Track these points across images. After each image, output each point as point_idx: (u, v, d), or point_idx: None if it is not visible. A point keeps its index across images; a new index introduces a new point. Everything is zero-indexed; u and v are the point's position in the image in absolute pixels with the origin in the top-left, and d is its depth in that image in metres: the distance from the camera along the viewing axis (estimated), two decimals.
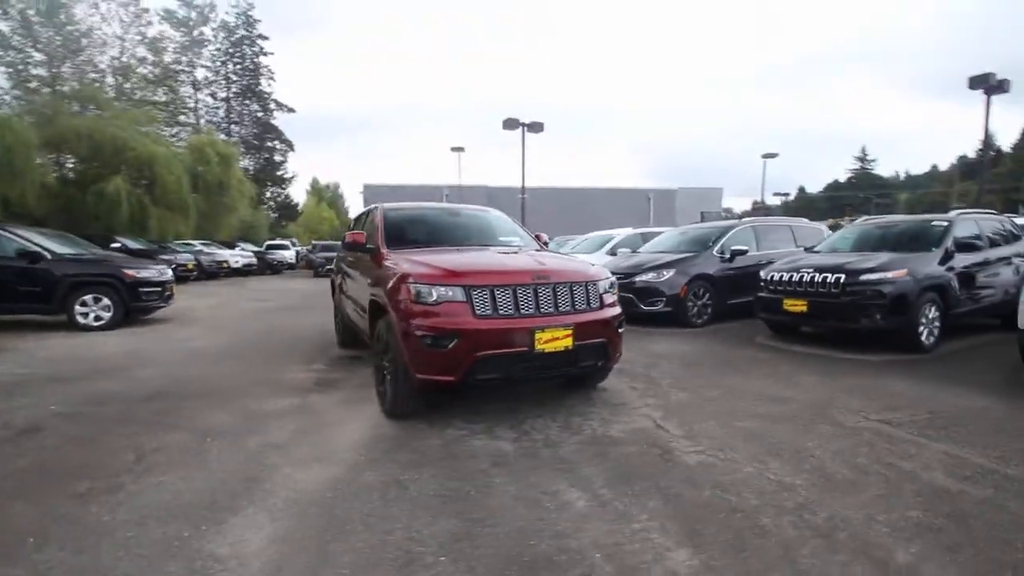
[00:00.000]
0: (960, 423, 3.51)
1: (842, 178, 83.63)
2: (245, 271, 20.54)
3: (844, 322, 5.78)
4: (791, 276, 6.23)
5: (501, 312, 3.42)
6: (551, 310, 3.54)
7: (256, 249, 23.90)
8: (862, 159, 78.62)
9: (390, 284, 3.64)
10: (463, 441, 3.33)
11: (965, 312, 6.13)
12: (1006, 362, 5.24)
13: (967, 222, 6.49)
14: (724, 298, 7.95)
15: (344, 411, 3.98)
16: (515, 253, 4.30)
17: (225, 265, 19.17)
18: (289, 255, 24.72)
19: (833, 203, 74.94)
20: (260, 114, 34.70)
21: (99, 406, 4.09)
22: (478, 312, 3.37)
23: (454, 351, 3.30)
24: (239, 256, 20.42)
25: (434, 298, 3.39)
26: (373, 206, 5.67)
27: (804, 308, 6.02)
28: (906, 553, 2.06)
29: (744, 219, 8.93)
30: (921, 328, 5.64)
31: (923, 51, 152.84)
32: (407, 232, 4.72)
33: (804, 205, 77.58)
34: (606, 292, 3.89)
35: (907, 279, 5.55)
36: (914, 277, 5.59)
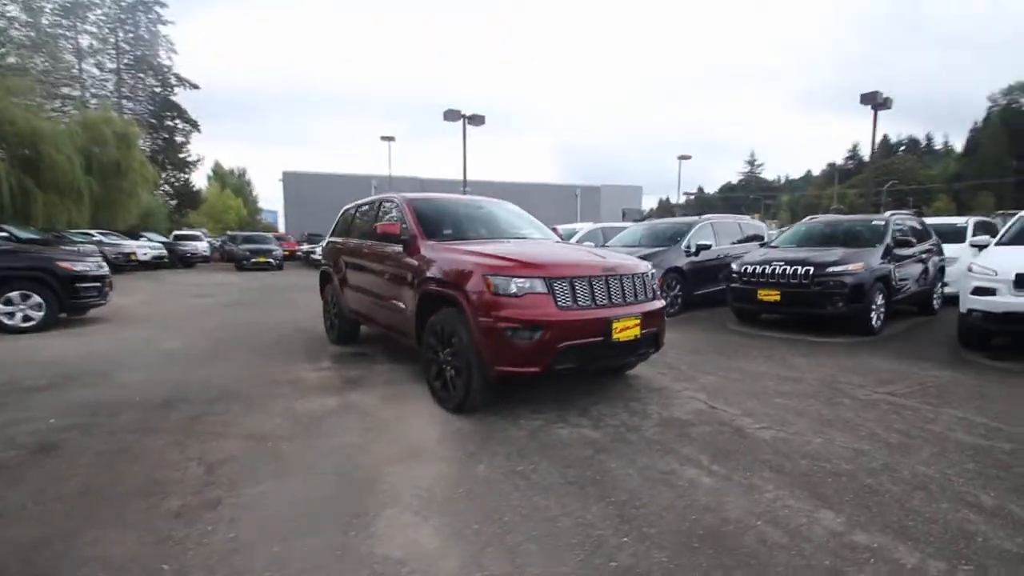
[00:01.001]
0: (946, 393, 4.17)
1: (734, 180, 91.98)
2: (155, 264, 18.40)
3: (812, 309, 6.52)
4: (763, 269, 6.89)
5: (580, 303, 3.51)
6: (621, 300, 3.70)
7: (163, 240, 21.45)
8: (751, 163, 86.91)
9: (461, 276, 3.58)
10: (546, 431, 3.39)
11: (899, 300, 7.17)
12: (942, 341, 6.24)
13: (897, 222, 7.57)
14: (692, 289, 8.57)
15: (395, 408, 3.85)
16: (557, 244, 4.39)
17: (133, 258, 17.03)
18: (203, 247, 22.44)
19: (727, 202, 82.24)
20: (158, 89, 30.73)
21: (110, 416, 3.60)
22: (560, 303, 3.44)
23: (539, 342, 3.34)
24: (147, 247, 18.22)
25: (514, 290, 3.40)
26: (382, 197, 5.46)
27: (777, 297, 6.70)
28: (989, 497, 2.48)
29: (704, 216, 9.61)
30: (872, 313, 6.52)
31: (801, 70, 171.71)
32: (440, 224, 4.61)
33: (703, 204, 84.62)
34: (653, 283, 4.12)
35: (864, 271, 6.38)
36: (868, 269, 6.44)
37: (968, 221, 9.75)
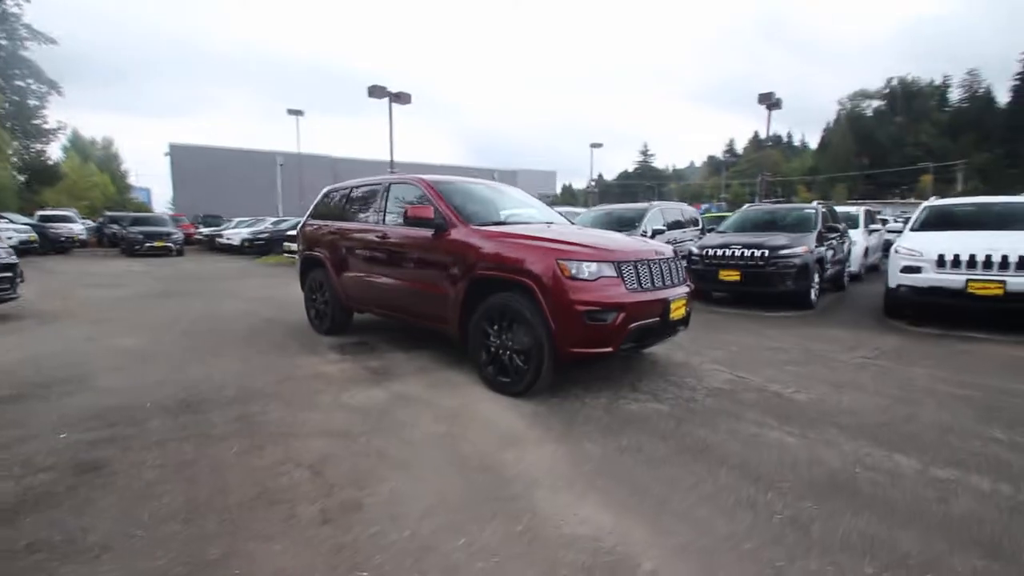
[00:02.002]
0: (904, 354, 4.99)
1: (630, 168, 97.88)
2: (22, 250, 15.49)
3: (767, 287, 7.34)
4: (724, 252, 7.60)
5: (643, 285, 3.71)
6: (672, 282, 3.95)
7: (29, 222, 18.06)
8: (644, 153, 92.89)
9: (530, 262, 3.60)
10: (616, 407, 3.56)
11: (826, 278, 8.30)
12: (864, 311, 7.37)
13: (822, 211, 8.70)
14: None
15: (452, 396, 3.79)
16: (595, 230, 4.54)
17: None
18: (78, 229, 19.28)
19: (624, 189, 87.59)
20: (4, 42, 25.07)
21: (135, 426, 3.16)
22: (628, 286, 3.60)
23: (614, 324, 3.48)
24: (11, 231, 15.27)
25: (587, 274, 3.50)
26: (392, 179, 5.21)
27: (738, 277, 7.45)
28: (999, 433, 3.08)
29: (653, 203, 10.26)
30: (812, 290, 7.50)
31: (686, 70, 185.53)
32: (469, 208, 4.52)
33: (603, 191, 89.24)
34: (683, 265, 4.43)
35: (808, 254, 7.31)
36: (810, 251, 7.38)
37: (860, 210, 11.44)
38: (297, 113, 25.21)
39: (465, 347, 4.18)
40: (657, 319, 3.73)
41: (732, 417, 3.37)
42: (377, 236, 4.92)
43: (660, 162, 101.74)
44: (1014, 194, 8.74)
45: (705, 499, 2.39)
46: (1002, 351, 5.00)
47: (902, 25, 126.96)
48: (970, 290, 5.66)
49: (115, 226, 19.96)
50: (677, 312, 3.88)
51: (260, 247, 17.77)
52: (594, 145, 33.47)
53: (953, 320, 6.23)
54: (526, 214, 4.99)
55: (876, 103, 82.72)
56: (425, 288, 4.39)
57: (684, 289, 4.06)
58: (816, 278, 7.60)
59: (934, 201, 7.74)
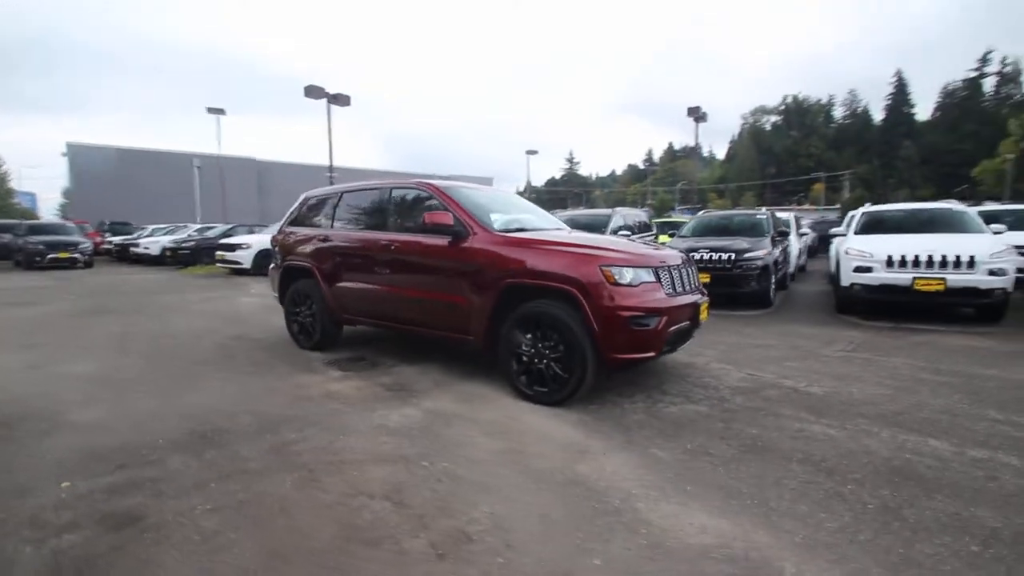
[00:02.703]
0: (875, 346, 5.49)
1: (557, 175, 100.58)
2: None
3: (734, 288, 7.79)
4: (693, 256, 7.98)
5: (676, 290, 3.79)
6: (694, 287, 4.07)
7: None
8: (570, 161, 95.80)
9: (572, 269, 3.56)
10: (657, 411, 3.60)
11: (778, 279, 8.96)
12: (816, 307, 8.04)
13: (771, 218, 9.40)
14: None
15: (490, 410, 3.65)
16: (619, 237, 4.58)
17: None
18: None
19: (552, 196, 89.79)
20: None
21: (153, 466, 2.75)
22: (666, 291, 3.67)
23: (657, 328, 3.52)
24: None
25: (629, 280, 3.52)
26: (394, 184, 4.94)
27: (708, 279, 7.82)
28: (994, 413, 3.46)
29: (616, 208, 10.60)
30: (771, 290, 8.07)
31: (608, 81, 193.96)
32: (485, 215, 4.40)
33: (531, 197, 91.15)
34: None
35: (768, 255, 7.86)
36: (769, 253, 7.95)
37: (791, 216, 12.49)
38: (218, 112, 23.34)
39: (488, 357, 4.05)
40: (688, 322, 3.84)
41: (770, 415, 3.52)
42: (380, 244, 4.65)
43: (585, 170, 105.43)
44: (892, 200, 9.98)
45: (797, 495, 2.47)
46: (954, 340, 5.65)
47: (796, 49, 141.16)
48: (916, 287, 6.35)
49: (6, 235, 17.36)
50: (703, 314, 4.02)
51: (185, 257, 16.22)
52: (529, 152, 34.02)
53: (897, 314, 6.95)
54: (533, 220, 4.94)
55: (774, 118, 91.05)
56: (441, 298, 4.21)
57: (703, 293, 4.21)
58: (773, 279, 8.18)
59: (869, 208, 8.63)
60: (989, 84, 77.30)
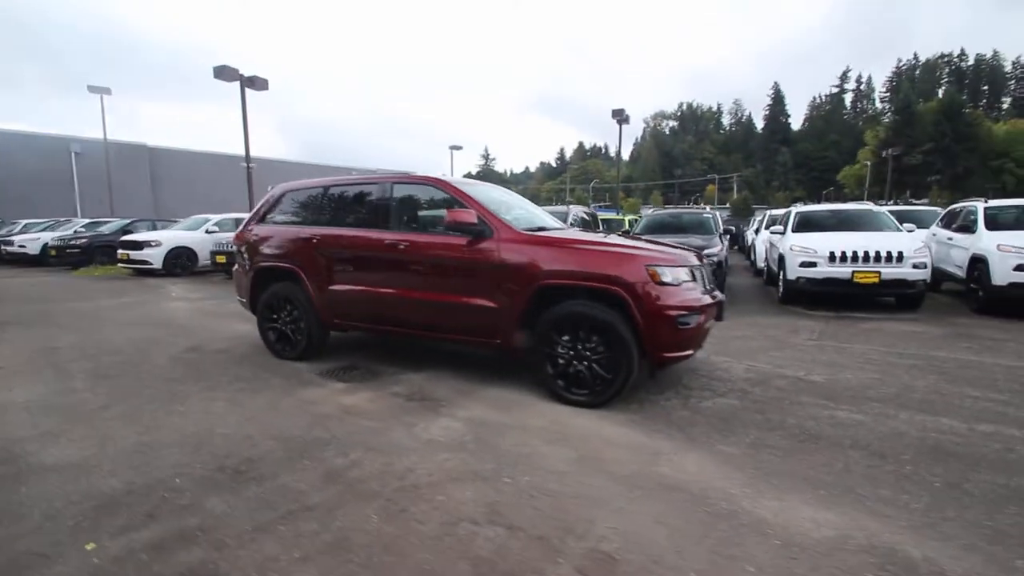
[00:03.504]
0: (837, 334, 6.05)
1: (473, 171, 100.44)
2: None
3: None
4: None
5: (706, 288, 3.89)
6: (711, 286, 4.21)
7: None
8: (486, 157, 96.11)
9: (619, 269, 3.52)
10: (696, 406, 3.69)
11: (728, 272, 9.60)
12: (761, 300, 8.74)
13: (716, 216, 10.05)
14: None
15: (532, 416, 3.52)
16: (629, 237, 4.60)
17: None
18: None
19: None
20: None
21: (185, 515, 2.32)
22: (700, 289, 3.75)
23: (698, 326, 3.60)
24: None
25: (671, 279, 3.56)
26: (400, 177, 4.59)
27: None
28: (974, 391, 3.95)
29: (571, 206, 10.74)
30: (724, 284, 8.63)
31: (520, 80, 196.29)
32: (504, 212, 4.22)
33: None
34: None
35: (722, 252, 8.39)
36: (723, 250, 8.49)
37: (715, 214, 13.46)
38: (102, 91, 20.30)
39: (514, 360, 3.90)
40: (715, 320, 3.97)
41: (794, 403, 3.74)
42: (385, 244, 4.29)
43: (500, 166, 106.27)
44: (773, 200, 11.25)
45: (872, 480, 2.64)
46: (894, 327, 6.39)
47: (689, 59, 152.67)
48: (855, 279, 7.11)
49: None
50: (721, 311, 4.17)
51: (74, 257, 13.97)
52: (454, 147, 33.48)
53: (835, 304, 7.75)
54: (546, 218, 4.83)
55: (672, 123, 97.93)
56: (463, 300, 3.98)
57: (718, 292, 4.38)
58: (727, 274, 8.76)
59: (801, 208, 9.53)
60: (848, 99, 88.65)
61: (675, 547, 2.09)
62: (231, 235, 12.84)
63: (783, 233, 8.74)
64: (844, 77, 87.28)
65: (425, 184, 4.41)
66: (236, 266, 5.40)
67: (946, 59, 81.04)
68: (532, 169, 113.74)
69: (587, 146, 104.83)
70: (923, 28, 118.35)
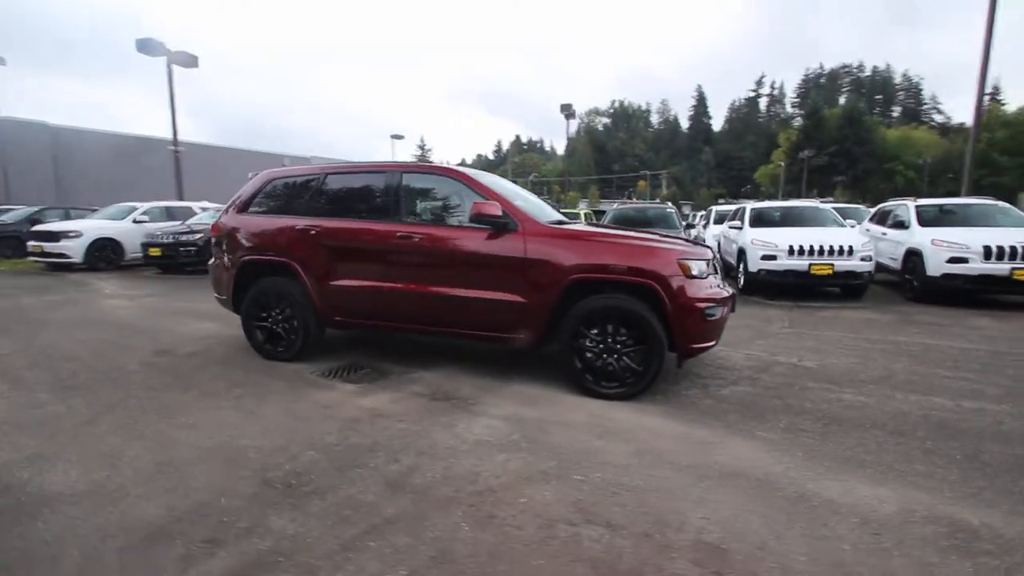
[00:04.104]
0: (805, 324, 6.51)
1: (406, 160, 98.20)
2: None
3: None
4: None
5: (721, 281, 4.03)
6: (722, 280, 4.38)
7: None
8: (422, 147, 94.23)
9: (652, 262, 3.56)
10: (717, 394, 3.83)
11: None
12: None
13: (678, 211, 10.46)
14: None
15: (571, 411, 3.49)
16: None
17: None
18: None
19: None
20: None
21: (255, 538, 2.09)
22: (718, 283, 3.88)
23: (722, 318, 3.73)
24: None
25: (698, 272, 3.66)
26: (409, 166, 4.42)
27: None
28: (951, 373, 4.41)
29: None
30: None
31: (456, 71, 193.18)
32: (524, 205, 4.15)
33: None
34: None
35: None
36: None
37: (676, 209, 14.07)
38: None
39: (528, 356, 3.86)
40: (730, 311, 4.13)
41: (804, 388, 3.97)
42: (397, 236, 4.08)
43: (436, 157, 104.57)
44: (697, 196, 12.10)
45: (903, 457, 2.85)
46: (850, 314, 6.98)
47: (621, 58, 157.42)
48: (812, 271, 7.69)
49: None
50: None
51: None
52: (395, 136, 32.52)
53: (789, 295, 8.34)
54: (551, 212, 4.80)
55: (605, 120, 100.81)
56: (487, 295, 3.87)
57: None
58: None
59: (755, 204, 10.13)
60: (764, 103, 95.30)
61: (772, 533, 2.16)
62: (166, 225, 11.76)
63: (741, 228, 9.25)
64: (759, 83, 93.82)
65: (439, 174, 4.24)
66: (212, 261, 4.92)
67: (846, 69, 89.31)
68: (468, 161, 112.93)
69: (524, 140, 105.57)
70: (828, 40, 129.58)
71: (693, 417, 3.41)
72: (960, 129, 64.26)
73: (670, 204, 10.88)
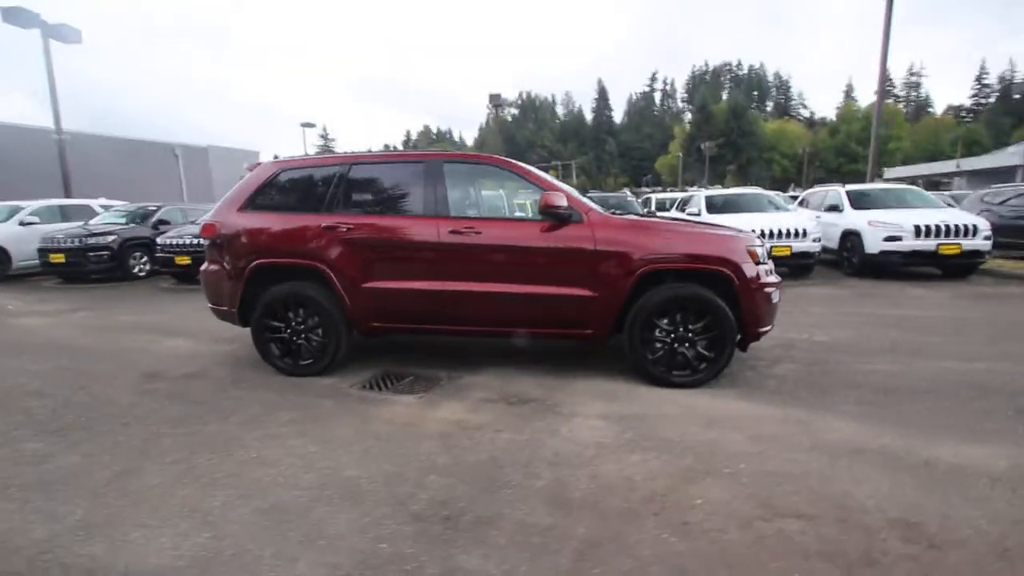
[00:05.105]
0: (785, 300, 6.98)
1: (311, 152, 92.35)
2: None
3: None
4: None
5: None
6: None
7: None
8: (324, 137, 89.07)
9: (728, 251, 3.61)
10: (769, 374, 3.99)
11: None
12: None
13: (635, 200, 10.79)
14: None
15: (662, 404, 3.46)
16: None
17: None
18: None
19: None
20: None
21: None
22: (770, 267, 4.03)
23: (778, 301, 3.88)
24: None
25: (761, 257, 3.77)
26: (450, 156, 4.00)
27: None
28: (938, 337, 4.96)
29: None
30: None
31: (359, 64, 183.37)
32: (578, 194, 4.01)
33: None
34: None
35: None
36: None
37: (632, 197, 14.54)
38: None
39: (603, 348, 3.78)
40: None
41: (839, 363, 4.25)
42: (449, 231, 3.75)
43: (340, 147, 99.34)
44: (604, 185, 12.98)
45: (975, 416, 3.14)
46: (815, 291, 7.64)
47: (526, 49, 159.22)
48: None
49: None
50: None
51: None
52: (305, 124, 30.22)
53: None
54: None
55: (513, 111, 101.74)
56: (554, 290, 3.70)
57: None
58: None
59: (709, 191, 10.73)
60: (658, 97, 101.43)
61: (937, 501, 2.27)
62: (68, 227, 9.91)
63: (699, 215, 9.77)
64: (653, 78, 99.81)
65: (484, 163, 3.97)
66: (206, 267, 4.21)
67: (728, 67, 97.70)
68: (375, 151, 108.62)
69: (433, 130, 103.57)
70: (711, 40, 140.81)
71: (769, 399, 3.51)
72: (824, 123, 73.15)
73: (629, 193, 11.23)
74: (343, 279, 3.87)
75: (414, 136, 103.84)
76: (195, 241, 8.82)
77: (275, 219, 4.01)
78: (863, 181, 15.96)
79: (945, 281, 8.19)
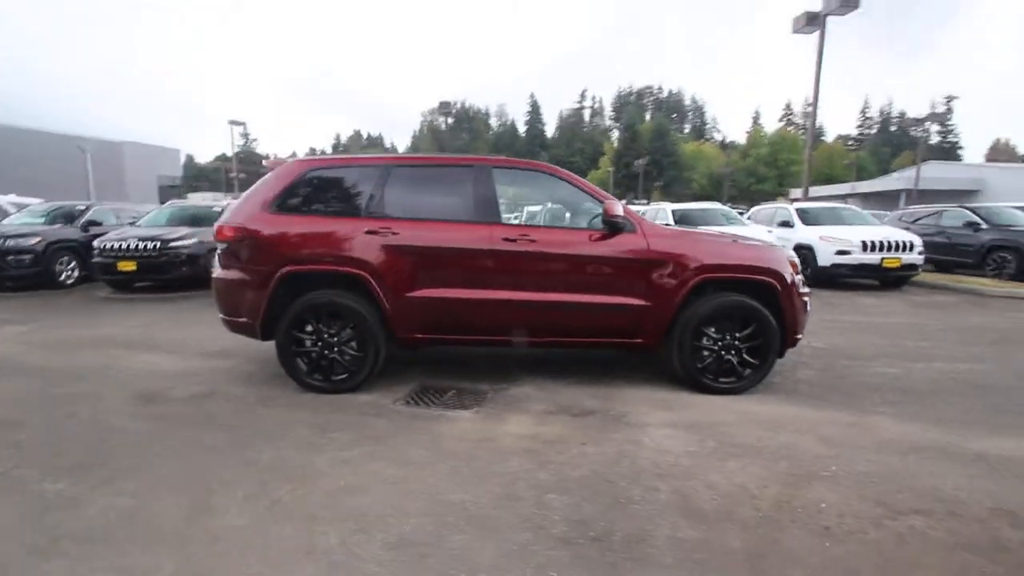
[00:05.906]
0: None
1: (230, 152, 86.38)
2: None
3: None
4: None
5: None
6: None
7: None
8: (246, 136, 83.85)
9: (775, 262, 3.77)
10: (803, 379, 4.22)
11: None
12: None
13: None
14: None
15: (714, 412, 3.53)
16: None
17: None
18: None
19: (220, 173, 76.99)
20: None
21: None
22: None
23: (809, 309, 4.11)
24: None
25: (799, 269, 3.98)
26: (499, 161, 3.96)
27: None
28: (934, 340, 5.48)
29: None
30: None
31: (285, 63, 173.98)
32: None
33: (196, 174, 77.04)
34: None
35: None
36: None
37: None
38: None
39: (653, 356, 3.81)
40: None
41: (849, 367, 4.57)
42: (503, 239, 3.62)
43: (263, 148, 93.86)
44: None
45: (991, 412, 3.49)
46: None
47: (461, 58, 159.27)
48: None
49: None
50: None
51: None
52: (233, 122, 28.22)
53: None
54: None
55: (449, 119, 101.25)
56: (609, 300, 3.69)
57: None
58: None
59: (676, 206, 11.22)
60: (587, 114, 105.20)
61: (1016, 492, 2.48)
62: None
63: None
64: (582, 96, 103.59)
65: (533, 170, 3.88)
66: (219, 274, 3.76)
67: (649, 90, 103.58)
68: (300, 155, 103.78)
69: (364, 135, 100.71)
70: (636, 62, 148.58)
71: (808, 402, 3.70)
72: (735, 146, 79.30)
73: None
74: (385, 288, 3.62)
75: (344, 139, 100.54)
76: (142, 245, 7.91)
77: (306, 222, 3.68)
78: (770, 200, 17.35)
79: (883, 291, 9.12)
